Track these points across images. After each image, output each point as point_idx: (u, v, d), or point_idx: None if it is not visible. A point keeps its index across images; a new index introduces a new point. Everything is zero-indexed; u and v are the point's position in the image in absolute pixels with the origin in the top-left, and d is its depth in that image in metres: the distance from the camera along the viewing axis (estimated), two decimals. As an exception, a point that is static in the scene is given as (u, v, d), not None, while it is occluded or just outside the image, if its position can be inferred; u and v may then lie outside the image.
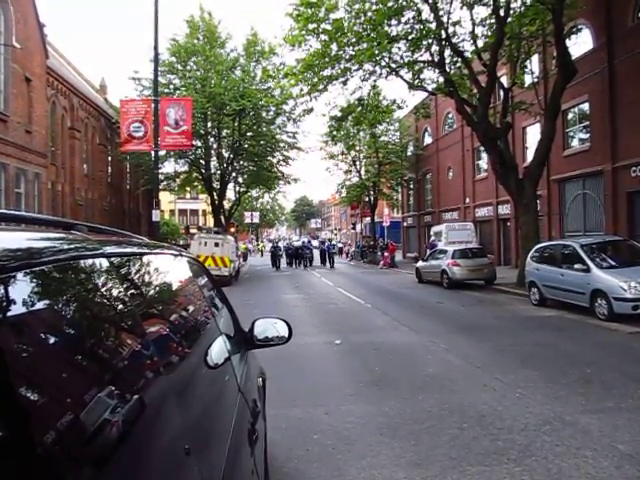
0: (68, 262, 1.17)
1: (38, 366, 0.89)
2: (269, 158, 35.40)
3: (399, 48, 18.75)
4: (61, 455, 0.85)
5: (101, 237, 1.69)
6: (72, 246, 1.30)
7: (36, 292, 0.97)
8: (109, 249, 1.48)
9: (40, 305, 0.97)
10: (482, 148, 22.44)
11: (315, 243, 50.64)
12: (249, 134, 32.72)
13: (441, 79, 19.37)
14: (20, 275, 0.92)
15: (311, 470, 4.25)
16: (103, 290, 1.29)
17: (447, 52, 18.51)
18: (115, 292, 1.34)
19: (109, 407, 1.03)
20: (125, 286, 1.44)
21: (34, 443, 0.77)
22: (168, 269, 2.09)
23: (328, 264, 35.64)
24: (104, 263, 1.34)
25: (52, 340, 0.99)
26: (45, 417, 0.84)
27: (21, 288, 0.91)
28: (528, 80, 20.50)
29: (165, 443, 1.31)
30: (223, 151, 33.77)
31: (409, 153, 40.64)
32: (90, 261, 1.28)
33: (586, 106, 20.52)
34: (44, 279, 1.03)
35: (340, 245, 52.68)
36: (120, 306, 1.34)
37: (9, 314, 0.84)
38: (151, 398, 1.28)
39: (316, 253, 38.75)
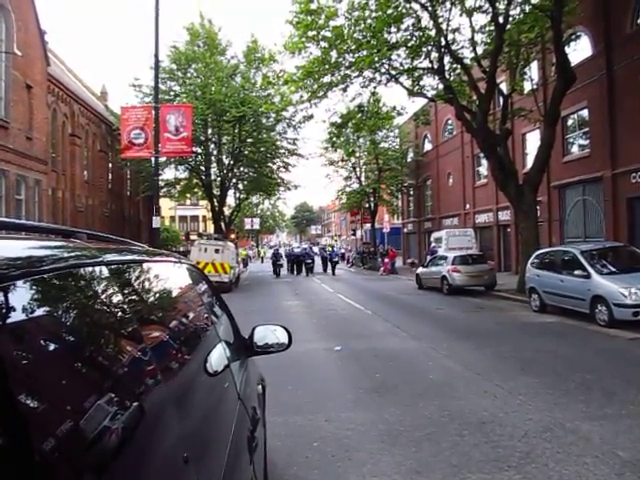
0: (68, 270, 1.18)
1: (38, 374, 0.89)
2: (269, 164, 35.42)
3: (399, 55, 18.83)
4: (60, 463, 0.85)
5: (101, 245, 1.70)
6: (72, 254, 1.30)
7: (36, 300, 0.98)
8: (109, 257, 1.49)
9: (40, 313, 0.98)
10: (482, 154, 22.48)
11: (315, 249, 50.28)
12: (249, 141, 32.76)
13: (441, 86, 19.42)
14: (20, 283, 0.92)
15: (311, 477, 4.24)
16: (103, 298, 1.30)
17: (447, 59, 18.57)
18: (115, 300, 1.34)
19: (108, 415, 1.04)
20: (125, 294, 1.44)
21: (33, 450, 0.78)
22: (168, 276, 2.09)
23: (330, 271, 34.68)
24: (104, 271, 1.34)
25: (52, 348, 1.00)
26: (44, 424, 0.84)
27: (21, 296, 0.92)
28: (527, 87, 20.55)
29: (164, 451, 1.31)
30: (223, 157, 33.80)
31: (409, 159, 40.72)
32: (90, 269, 1.28)
33: (585, 112, 20.57)
34: (44, 287, 1.03)
35: (342, 251, 52.23)
36: (120, 314, 1.35)
37: (9, 322, 0.85)
38: (150, 405, 1.28)
39: (317, 260, 38.34)
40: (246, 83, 30.78)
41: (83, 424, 0.93)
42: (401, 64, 19.15)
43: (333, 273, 34.15)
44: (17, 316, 0.88)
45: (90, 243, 1.57)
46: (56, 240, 1.46)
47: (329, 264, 35.28)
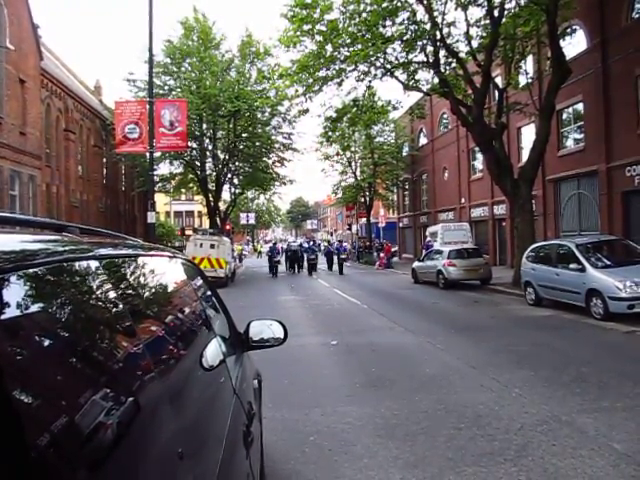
0: (61, 264, 1.16)
1: (32, 369, 0.88)
2: (264, 159, 35.35)
3: (394, 49, 18.77)
4: (55, 458, 0.84)
5: (94, 239, 1.68)
6: (65, 248, 1.29)
7: (29, 294, 0.96)
8: (102, 251, 1.47)
9: (33, 308, 0.96)
10: (477, 148, 22.49)
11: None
12: (244, 135, 32.68)
13: (436, 80, 19.39)
14: (13, 277, 0.91)
15: (308, 472, 4.24)
16: (97, 292, 1.28)
17: (442, 53, 18.52)
18: (109, 294, 1.33)
19: (103, 410, 1.03)
20: (119, 288, 1.43)
21: (28, 446, 0.77)
22: (162, 271, 2.08)
23: (336, 268, 30.40)
24: (98, 265, 1.32)
25: (45, 343, 0.99)
26: (39, 420, 0.83)
27: (13, 290, 0.90)
28: (523, 81, 20.55)
29: (159, 446, 1.30)
30: (218, 152, 33.71)
31: (404, 154, 40.70)
32: (84, 263, 1.26)
33: (580, 106, 20.59)
34: (37, 281, 1.02)
35: (346, 245, 49.95)
36: (114, 308, 1.33)
37: (2, 317, 0.83)
38: (145, 401, 1.27)
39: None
40: (241, 77, 30.70)
41: (78, 419, 0.93)
42: (396, 58, 19.11)
43: (340, 272, 29.49)
44: (10, 311, 0.86)
45: (83, 237, 1.55)
46: (48, 234, 1.44)
47: (334, 261, 31.38)
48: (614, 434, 4.63)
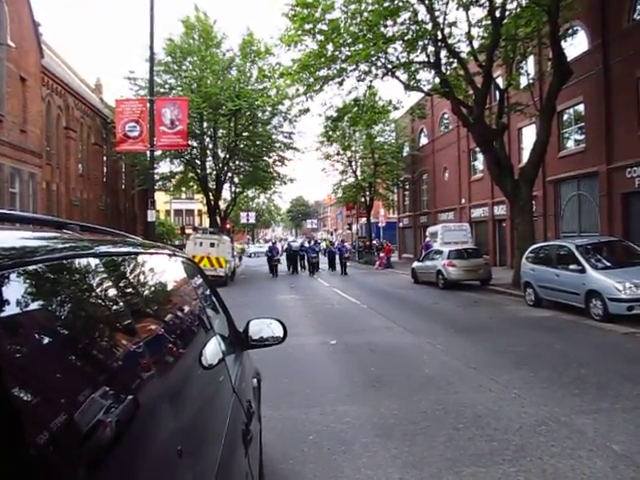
0: (61, 261, 1.16)
1: (31, 367, 0.88)
2: (265, 158, 35.32)
3: (395, 49, 18.75)
4: (54, 456, 0.84)
5: (94, 236, 1.68)
6: (65, 245, 1.29)
7: (29, 292, 0.96)
8: (103, 248, 1.47)
9: (33, 305, 0.96)
10: (478, 149, 22.49)
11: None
12: (245, 134, 32.65)
13: (437, 80, 19.38)
14: (13, 274, 0.91)
15: (307, 471, 4.24)
16: (97, 290, 1.28)
17: (443, 53, 18.52)
18: (108, 292, 1.33)
19: (102, 408, 1.02)
20: (119, 286, 1.43)
21: (27, 444, 0.76)
22: (162, 269, 2.08)
23: (338, 268, 30.06)
24: (98, 263, 1.32)
25: (45, 340, 0.98)
26: (38, 418, 0.83)
27: (13, 287, 0.90)
28: (524, 81, 20.55)
29: (157, 444, 1.30)
30: (219, 151, 33.69)
31: (405, 154, 40.66)
32: (84, 260, 1.26)
33: (581, 107, 20.59)
34: (37, 278, 1.02)
35: (346, 244, 49.17)
36: (113, 306, 1.33)
37: (1, 314, 0.83)
38: (144, 399, 1.27)
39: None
40: (242, 76, 30.67)
41: (77, 417, 0.92)
42: (397, 58, 19.08)
43: (344, 272, 28.66)
44: (9, 308, 0.86)
45: (83, 235, 1.55)
46: (49, 231, 1.44)
47: (337, 261, 30.92)
48: (613, 435, 4.63)
